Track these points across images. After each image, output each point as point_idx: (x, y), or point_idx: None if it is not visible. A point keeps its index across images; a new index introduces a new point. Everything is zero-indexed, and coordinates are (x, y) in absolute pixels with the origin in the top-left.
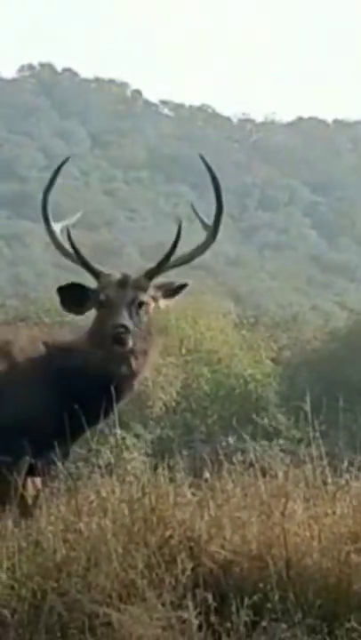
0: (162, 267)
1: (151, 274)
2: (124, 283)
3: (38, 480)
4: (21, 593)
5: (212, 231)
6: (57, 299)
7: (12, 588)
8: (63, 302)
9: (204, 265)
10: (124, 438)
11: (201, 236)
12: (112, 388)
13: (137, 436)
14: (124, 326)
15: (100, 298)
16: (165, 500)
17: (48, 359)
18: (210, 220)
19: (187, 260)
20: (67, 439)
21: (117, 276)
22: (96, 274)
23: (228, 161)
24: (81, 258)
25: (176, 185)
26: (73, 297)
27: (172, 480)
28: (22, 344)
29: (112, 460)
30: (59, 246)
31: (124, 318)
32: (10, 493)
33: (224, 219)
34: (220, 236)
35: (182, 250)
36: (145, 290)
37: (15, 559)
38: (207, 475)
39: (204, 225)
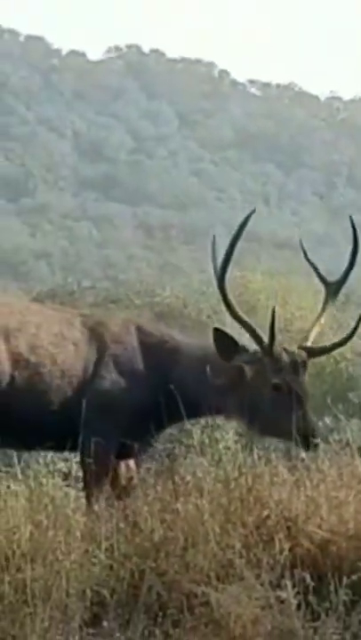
0: (324, 354)
1: (314, 355)
2: (296, 366)
3: (132, 462)
4: (120, 573)
5: (335, 289)
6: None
7: (111, 568)
8: (216, 343)
9: (292, 244)
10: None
11: (292, 217)
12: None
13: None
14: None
15: (274, 380)
16: (262, 480)
17: (148, 352)
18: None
19: (331, 349)
20: (163, 422)
21: (285, 354)
22: (265, 347)
23: (315, 139)
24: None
25: (263, 164)
26: (223, 342)
27: (267, 460)
28: (115, 329)
29: (205, 441)
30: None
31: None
32: (104, 475)
33: (311, 197)
34: (308, 214)
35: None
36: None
37: (113, 540)
38: (303, 455)
39: (324, 281)
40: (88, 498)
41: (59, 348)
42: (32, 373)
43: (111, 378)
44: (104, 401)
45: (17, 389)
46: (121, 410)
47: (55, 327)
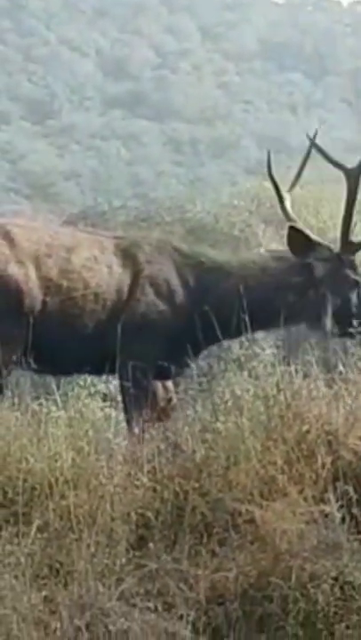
0: None
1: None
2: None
3: (170, 383)
4: (164, 495)
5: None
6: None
7: (155, 490)
8: (290, 241)
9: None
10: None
11: (320, 125)
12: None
13: None
14: None
15: (356, 277)
16: (300, 395)
17: (184, 272)
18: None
19: None
20: (199, 343)
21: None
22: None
23: (340, 45)
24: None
25: (289, 73)
26: (298, 240)
27: (305, 375)
28: (149, 249)
29: (241, 359)
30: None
31: None
32: (143, 397)
33: (339, 105)
34: (336, 122)
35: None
36: None
37: (155, 462)
38: (341, 367)
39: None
40: (128, 421)
41: (91, 271)
42: (65, 298)
43: (146, 300)
44: (140, 323)
45: (50, 315)
46: (157, 332)
47: (87, 251)
